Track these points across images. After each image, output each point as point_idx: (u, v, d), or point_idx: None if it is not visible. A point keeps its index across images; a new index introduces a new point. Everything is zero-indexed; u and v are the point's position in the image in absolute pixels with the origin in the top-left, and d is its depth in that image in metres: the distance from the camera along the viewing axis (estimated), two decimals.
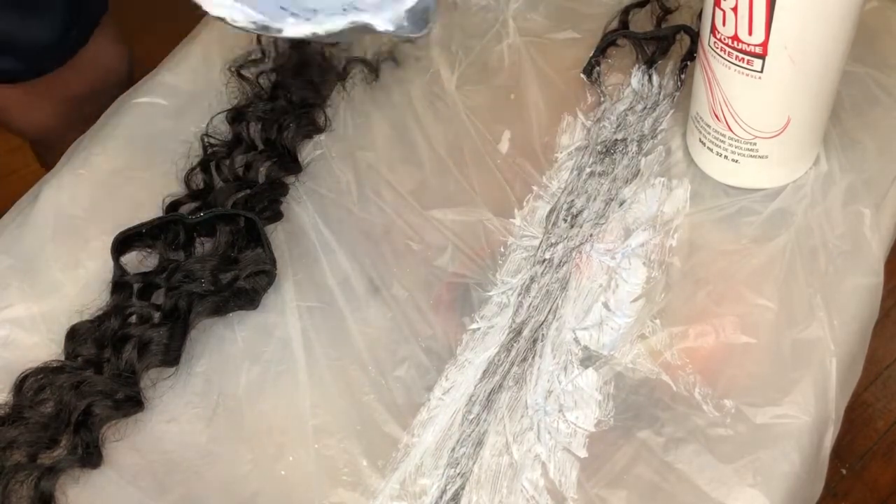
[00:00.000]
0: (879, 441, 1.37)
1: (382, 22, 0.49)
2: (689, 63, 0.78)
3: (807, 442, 0.60)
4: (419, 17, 0.49)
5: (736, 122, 0.67)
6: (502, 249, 0.70)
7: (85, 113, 0.87)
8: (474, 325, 0.66)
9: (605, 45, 0.80)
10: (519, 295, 0.67)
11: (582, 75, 0.79)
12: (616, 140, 0.75)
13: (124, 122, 0.77)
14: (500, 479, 0.60)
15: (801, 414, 0.60)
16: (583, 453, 0.60)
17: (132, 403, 0.62)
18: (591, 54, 0.79)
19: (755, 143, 0.68)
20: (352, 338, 0.66)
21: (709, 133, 0.70)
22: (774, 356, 0.63)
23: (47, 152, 1.08)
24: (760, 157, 0.69)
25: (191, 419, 0.63)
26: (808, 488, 0.60)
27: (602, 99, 0.78)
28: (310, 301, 0.67)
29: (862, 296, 0.66)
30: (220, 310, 0.66)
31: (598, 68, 0.79)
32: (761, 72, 0.64)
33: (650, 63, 0.78)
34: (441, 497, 0.59)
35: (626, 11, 0.81)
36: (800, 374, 0.62)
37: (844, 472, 1.34)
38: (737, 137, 0.68)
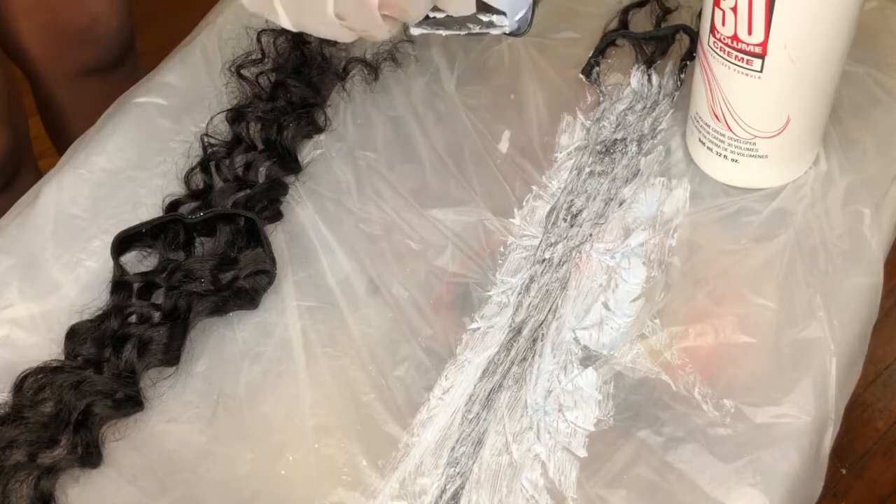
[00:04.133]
0: (879, 441, 1.37)
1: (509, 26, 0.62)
2: (688, 63, 0.78)
3: (806, 442, 0.60)
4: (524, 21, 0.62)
5: (735, 121, 0.67)
6: (502, 249, 0.70)
7: (69, 52, 0.90)
8: (474, 325, 0.66)
9: (605, 46, 0.80)
10: (519, 294, 0.67)
11: (581, 75, 0.79)
12: (615, 140, 0.75)
13: (124, 121, 0.77)
14: (499, 478, 0.60)
15: (801, 414, 0.60)
16: (582, 453, 0.60)
17: (132, 403, 0.62)
18: (590, 54, 0.79)
19: (755, 143, 0.68)
20: (352, 337, 0.66)
21: (708, 133, 0.70)
22: (774, 356, 0.63)
23: (37, 90, 1.09)
24: (760, 156, 0.69)
25: (191, 419, 0.63)
26: (807, 488, 0.60)
27: (601, 99, 0.78)
28: (310, 301, 0.67)
29: (861, 295, 0.66)
30: (220, 309, 0.66)
31: (597, 68, 0.79)
32: (761, 71, 0.64)
33: (649, 63, 0.78)
34: (441, 496, 0.59)
35: (625, 11, 0.81)
36: (799, 373, 0.62)
37: (844, 472, 1.33)
38: (736, 137, 0.68)
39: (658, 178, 0.72)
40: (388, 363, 0.64)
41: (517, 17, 0.63)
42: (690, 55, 0.78)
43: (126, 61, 1.08)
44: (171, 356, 0.64)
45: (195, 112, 0.77)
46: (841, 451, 1.34)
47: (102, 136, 0.76)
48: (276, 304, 0.67)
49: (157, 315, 0.65)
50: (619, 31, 0.80)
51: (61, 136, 1.14)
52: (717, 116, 0.68)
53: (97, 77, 1.06)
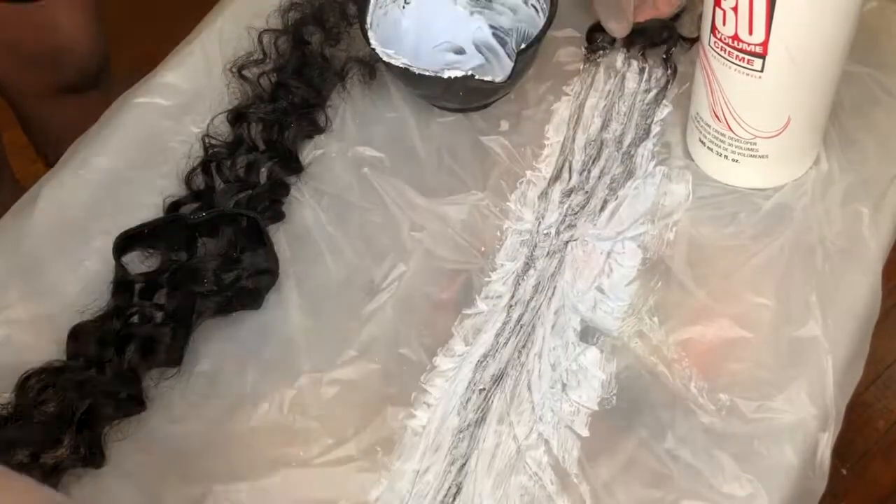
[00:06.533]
0: (879, 441, 1.37)
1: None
2: (668, 55, 0.78)
3: (800, 437, 0.60)
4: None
5: (736, 121, 0.67)
6: (499, 234, 0.70)
7: (40, 74, 0.90)
8: (474, 311, 0.67)
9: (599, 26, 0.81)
10: (517, 279, 0.68)
11: (583, 48, 0.80)
12: (612, 132, 0.75)
13: (125, 122, 0.77)
14: (503, 458, 0.60)
15: (795, 410, 0.61)
16: (585, 432, 0.61)
17: (134, 403, 0.62)
18: (587, 41, 0.80)
19: (755, 143, 0.68)
20: (353, 333, 0.66)
21: (709, 133, 0.70)
22: (770, 353, 0.64)
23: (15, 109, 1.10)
24: (760, 156, 0.69)
25: (193, 419, 0.63)
26: (805, 484, 0.60)
27: (597, 91, 0.78)
28: (312, 299, 0.67)
29: (858, 295, 0.66)
30: (225, 310, 0.66)
31: (597, 41, 0.79)
32: (761, 71, 0.64)
33: (637, 54, 0.79)
34: (445, 479, 0.59)
35: None
36: (795, 371, 0.62)
37: (844, 472, 1.33)
38: (737, 137, 0.68)
39: (658, 171, 0.73)
40: (391, 356, 0.65)
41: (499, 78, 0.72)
42: (670, 48, 0.79)
43: (100, 82, 1.08)
44: (174, 356, 0.64)
45: (196, 112, 0.77)
46: (841, 451, 1.34)
47: (103, 136, 0.76)
48: (278, 304, 0.67)
49: (159, 315, 0.66)
50: None
51: (44, 149, 1.14)
52: (717, 116, 0.68)
53: (71, 97, 1.06)
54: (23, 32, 0.98)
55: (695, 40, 0.78)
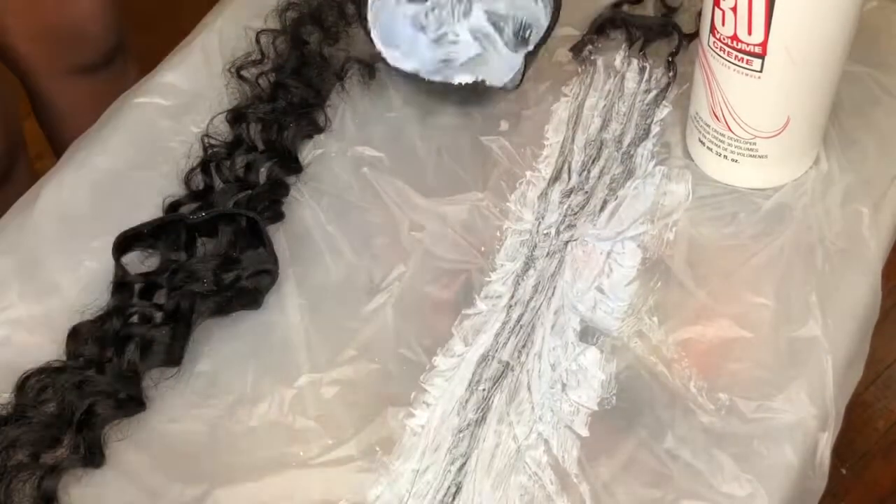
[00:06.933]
0: (879, 441, 1.37)
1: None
2: (673, 59, 0.78)
3: (800, 437, 0.60)
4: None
5: (735, 121, 0.67)
6: (498, 234, 0.70)
7: (56, 51, 0.91)
8: (474, 311, 0.67)
9: (600, 24, 0.80)
10: (517, 279, 0.68)
11: (570, 52, 0.79)
12: (611, 132, 0.75)
13: (124, 122, 0.77)
14: (503, 458, 0.60)
15: (795, 410, 0.61)
16: (584, 432, 0.61)
17: (134, 403, 0.62)
18: (587, 45, 0.80)
19: (755, 143, 0.68)
20: (353, 333, 0.66)
21: (708, 133, 0.70)
22: (770, 353, 0.64)
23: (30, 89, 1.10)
24: (760, 156, 0.69)
25: (193, 419, 0.63)
26: (805, 483, 0.60)
27: (596, 91, 0.78)
28: (311, 299, 0.67)
29: (858, 295, 0.66)
30: (223, 310, 0.66)
31: (589, 46, 0.79)
32: (761, 71, 0.64)
33: (637, 52, 0.79)
34: (444, 479, 0.59)
35: (617, 5, 0.82)
36: (795, 371, 0.62)
37: (844, 472, 1.33)
38: (736, 137, 0.68)
39: (658, 168, 0.73)
40: (390, 356, 0.65)
41: (507, 79, 0.73)
42: (677, 51, 0.79)
43: (115, 60, 1.08)
44: (174, 356, 0.64)
45: (195, 112, 0.77)
46: (841, 451, 1.34)
47: (103, 135, 0.76)
48: (278, 303, 0.67)
49: (158, 315, 0.66)
50: (614, 8, 0.81)
51: (55, 133, 1.14)
52: (716, 116, 0.68)
53: (86, 75, 1.07)
54: (40, 8, 0.98)
55: (693, 36, 0.78)
